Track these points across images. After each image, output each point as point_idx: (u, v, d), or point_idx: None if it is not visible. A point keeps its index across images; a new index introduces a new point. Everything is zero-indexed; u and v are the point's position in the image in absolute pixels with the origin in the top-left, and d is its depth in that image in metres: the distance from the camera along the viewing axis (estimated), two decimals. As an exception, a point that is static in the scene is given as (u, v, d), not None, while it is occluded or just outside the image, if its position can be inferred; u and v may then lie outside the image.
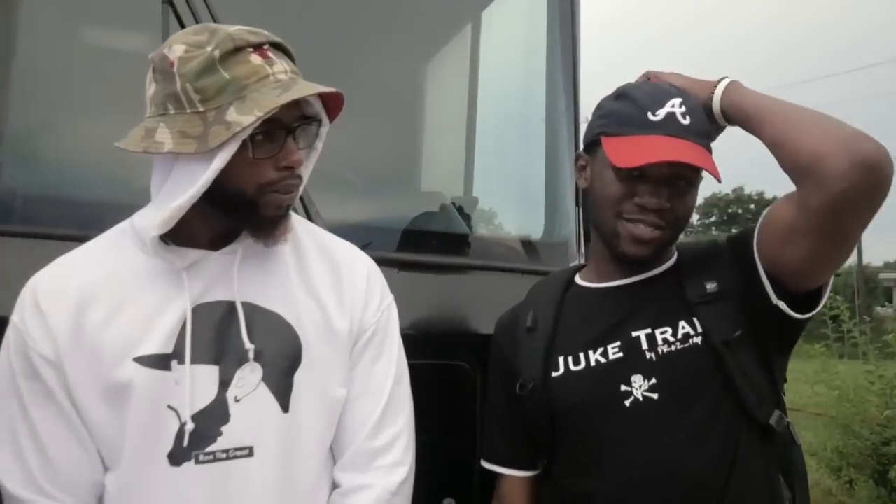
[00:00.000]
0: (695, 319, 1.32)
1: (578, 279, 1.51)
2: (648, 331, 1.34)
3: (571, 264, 1.63)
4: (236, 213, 1.16)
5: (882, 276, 46.23)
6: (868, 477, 4.68)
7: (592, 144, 1.41)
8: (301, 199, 1.37)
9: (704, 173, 1.36)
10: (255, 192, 1.13)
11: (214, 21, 1.54)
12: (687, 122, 1.31)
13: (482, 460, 1.51)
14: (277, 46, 1.14)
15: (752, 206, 62.34)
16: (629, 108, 1.35)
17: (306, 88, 1.10)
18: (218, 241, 1.20)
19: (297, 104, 1.13)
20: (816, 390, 5.22)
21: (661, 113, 1.31)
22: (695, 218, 65.24)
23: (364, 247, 1.94)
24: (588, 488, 1.34)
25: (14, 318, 1.13)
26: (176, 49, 1.10)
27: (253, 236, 1.19)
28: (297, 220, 1.30)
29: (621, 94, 1.39)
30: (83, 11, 1.86)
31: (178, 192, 1.11)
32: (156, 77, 1.12)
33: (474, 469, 1.60)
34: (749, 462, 1.31)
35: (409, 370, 1.36)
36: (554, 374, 1.37)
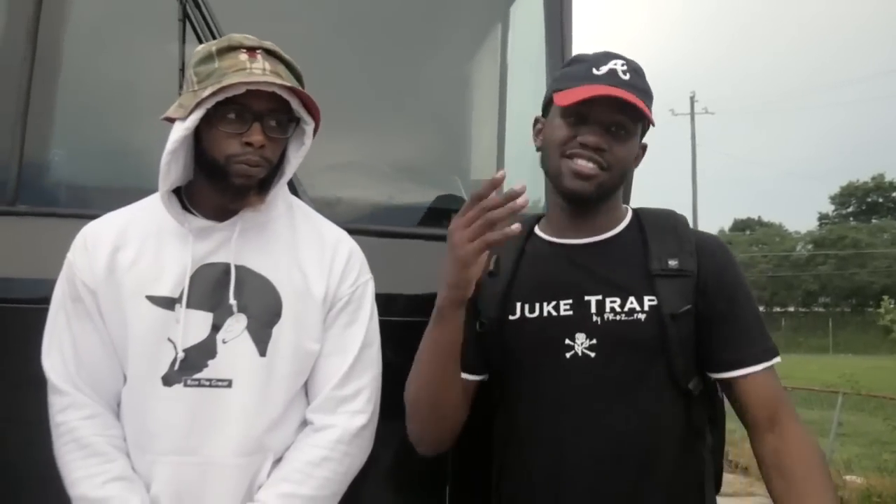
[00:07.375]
0: (644, 296, 1.48)
1: (538, 230, 1.65)
2: (599, 297, 1.51)
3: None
4: (215, 179, 1.44)
5: None
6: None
7: (547, 106, 1.60)
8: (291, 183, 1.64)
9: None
10: (224, 161, 1.41)
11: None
12: (627, 77, 1.49)
13: None
14: (273, 54, 1.43)
15: (895, 194, 57.57)
16: (577, 67, 1.55)
17: (265, 79, 1.36)
18: (222, 213, 1.50)
19: (271, 99, 1.39)
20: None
21: (604, 69, 1.50)
22: (830, 208, 61.07)
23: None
24: (529, 419, 1.54)
25: (68, 255, 1.50)
26: (198, 47, 1.46)
27: (230, 202, 1.48)
28: (298, 209, 1.61)
29: (572, 60, 1.60)
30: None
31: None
32: None
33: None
34: (670, 422, 1.49)
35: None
36: (511, 318, 1.55)
